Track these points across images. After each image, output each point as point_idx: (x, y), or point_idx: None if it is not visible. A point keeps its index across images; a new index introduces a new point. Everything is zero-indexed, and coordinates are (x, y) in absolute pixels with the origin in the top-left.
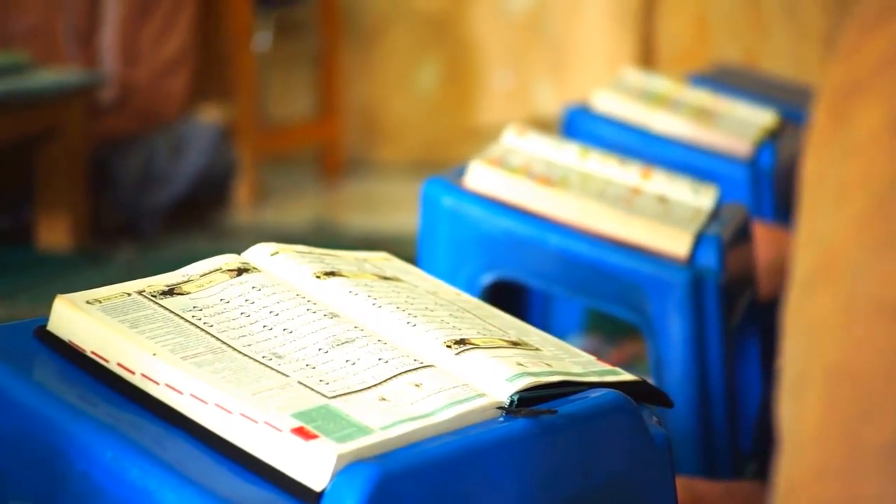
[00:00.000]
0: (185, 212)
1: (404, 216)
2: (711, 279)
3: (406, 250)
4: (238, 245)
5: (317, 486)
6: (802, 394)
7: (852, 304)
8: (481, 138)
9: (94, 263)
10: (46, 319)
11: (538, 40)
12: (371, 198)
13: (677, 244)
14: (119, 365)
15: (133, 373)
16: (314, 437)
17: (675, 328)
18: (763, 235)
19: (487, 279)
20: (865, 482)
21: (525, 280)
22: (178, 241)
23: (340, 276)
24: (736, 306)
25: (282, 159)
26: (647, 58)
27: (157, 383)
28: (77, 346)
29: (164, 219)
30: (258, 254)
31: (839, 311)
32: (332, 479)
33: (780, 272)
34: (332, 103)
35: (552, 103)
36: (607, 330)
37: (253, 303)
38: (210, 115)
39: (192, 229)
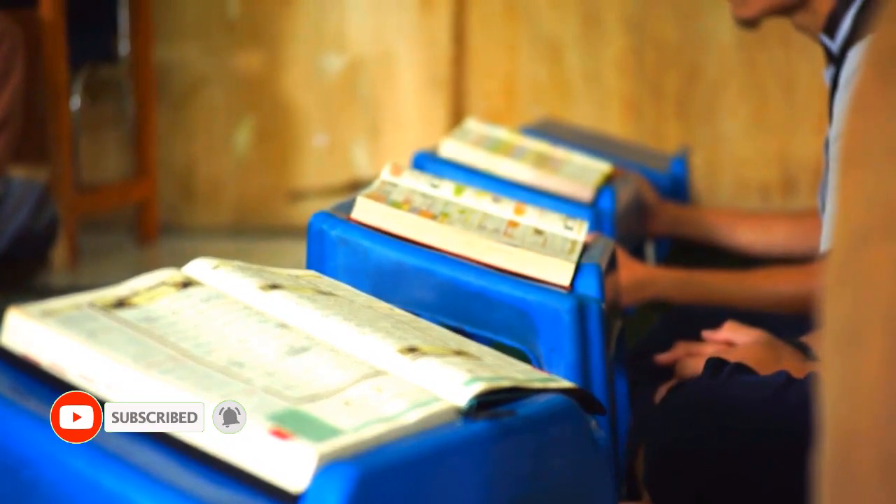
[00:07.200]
0: (5, 272)
1: None
2: (594, 306)
3: None
4: None
5: (295, 487)
6: (858, 345)
7: None
8: (299, 200)
9: None
10: None
11: (353, 103)
12: (188, 259)
13: (560, 274)
14: (81, 375)
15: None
16: (291, 437)
17: (561, 354)
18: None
19: None
20: None
21: (413, 310)
22: None
23: (283, 289)
24: (611, 334)
25: (99, 221)
26: (460, 119)
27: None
28: (32, 358)
29: None
30: (199, 268)
31: None
32: (312, 479)
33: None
34: (146, 164)
35: (368, 165)
36: None
37: (203, 314)
38: (28, 174)
39: (10, 290)
